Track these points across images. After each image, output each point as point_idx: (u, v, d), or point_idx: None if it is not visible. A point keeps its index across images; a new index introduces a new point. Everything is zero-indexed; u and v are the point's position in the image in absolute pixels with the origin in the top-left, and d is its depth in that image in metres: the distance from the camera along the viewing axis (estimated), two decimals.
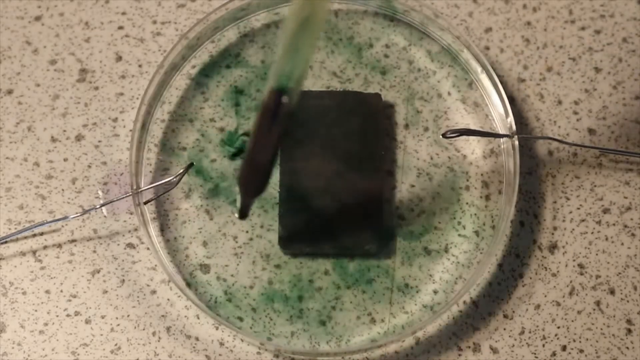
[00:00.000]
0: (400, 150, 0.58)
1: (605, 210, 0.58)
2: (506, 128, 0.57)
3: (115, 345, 0.54)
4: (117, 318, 0.55)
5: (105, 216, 0.57)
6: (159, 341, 0.55)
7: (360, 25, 0.61)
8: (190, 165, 0.56)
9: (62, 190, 0.57)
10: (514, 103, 0.60)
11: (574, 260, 0.57)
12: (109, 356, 0.54)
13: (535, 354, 0.55)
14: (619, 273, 0.56)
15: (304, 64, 0.47)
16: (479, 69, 0.59)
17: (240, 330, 0.54)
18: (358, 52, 0.60)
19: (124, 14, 0.61)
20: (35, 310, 0.55)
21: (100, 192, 0.57)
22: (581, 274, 0.56)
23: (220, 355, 0.54)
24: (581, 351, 0.55)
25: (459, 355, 0.55)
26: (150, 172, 0.58)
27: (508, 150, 0.57)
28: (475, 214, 0.57)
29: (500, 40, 0.61)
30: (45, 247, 0.56)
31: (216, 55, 0.60)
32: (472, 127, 0.59)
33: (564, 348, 0.55)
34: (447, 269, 0.56)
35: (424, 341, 0.55)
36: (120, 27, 0.61)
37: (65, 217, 0.56)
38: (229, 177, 0.57)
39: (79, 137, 0.58)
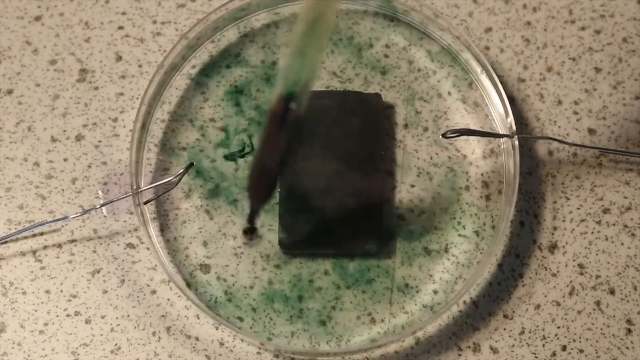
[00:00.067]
0: (400, 150, 0.58)
1: (605, 210, 0.58)
2: (506, 128, 0.57)
3: (115, 345, 0.54)
4: (117, 318, 0.55)
5: (105, 216, 0.57)
6: (159, 341, 0.54)
7: (360, 25, 0.61)
8: (190, 165, 0.56)
9: (62, 190, 0.57)
10: (514, 103, 0.60)
11: (574, 260, 0.57)
12: (109, 356, 0.54)
13: (535, 354, 0.55)
14: (619, 273, 0.56)
15: (312, 68, 0.46)
16: (479, 69, 0.59)
17: (240, 330, 0.54)
18: (358, 52, 0.60)
19: (124, 14, 0.61)
20: (35, 310, 0.55)
21: (100, 192, 0.57)
22: (581, 274, 0.56)
23: (220, 355, 0.54)
24: (581, 351, 0.55)
25: (459, 355, 0.55)
26: (150, 172, 0.58)
27: (508, 150, 0.57)
28: (475, 214, 0.57)
29: (500, 40, 0.61)
30: (45, 247, 0.56)
31: (216, 55, 0.60)
32: (472, 127, 0.59)
33: (564, 348, 0.55)
34: (447, 269, 0.56)
35: (424, 341, 0.55)
36: (120, 27, 0.61)
37: (65, 217, 0.56)
38: (229, 177, 0.57)
39: (79, 137, 0.58)
